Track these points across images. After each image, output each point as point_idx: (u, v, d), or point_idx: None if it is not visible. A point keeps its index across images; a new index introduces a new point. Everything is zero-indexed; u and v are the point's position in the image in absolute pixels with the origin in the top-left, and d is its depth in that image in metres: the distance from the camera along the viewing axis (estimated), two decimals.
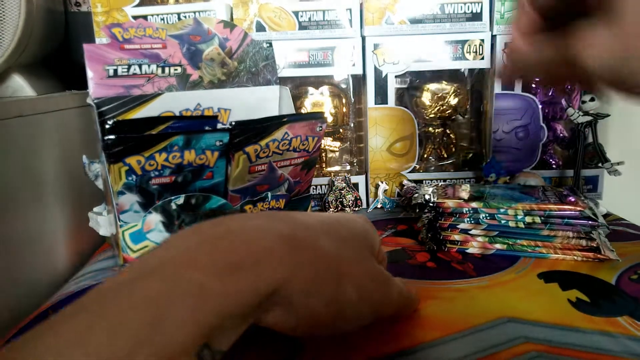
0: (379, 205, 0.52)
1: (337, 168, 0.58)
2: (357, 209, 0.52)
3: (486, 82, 0.54)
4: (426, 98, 0.54)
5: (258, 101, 0.44)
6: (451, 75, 0.54)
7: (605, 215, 0.47)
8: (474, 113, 0.57)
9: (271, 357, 0.26)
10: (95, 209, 0.42)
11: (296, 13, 0.49)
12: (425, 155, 0.57)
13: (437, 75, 0.53)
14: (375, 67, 0.50)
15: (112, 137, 0.30)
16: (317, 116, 0.38)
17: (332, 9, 0.49)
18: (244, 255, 0.20)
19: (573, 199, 0.38)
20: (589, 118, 0.48)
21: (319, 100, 0.54)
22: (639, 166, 0.53)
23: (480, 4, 0.49)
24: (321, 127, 0.38)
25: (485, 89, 0.54)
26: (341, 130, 0.57)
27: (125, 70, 0.39)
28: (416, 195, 0.42)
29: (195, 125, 0.35)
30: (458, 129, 0.58)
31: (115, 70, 0.39)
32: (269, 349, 0.27)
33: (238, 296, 0.19)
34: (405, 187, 0.52)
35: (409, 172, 0.53)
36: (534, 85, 0.53)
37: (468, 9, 0.49)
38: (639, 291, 0.31)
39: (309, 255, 0.22)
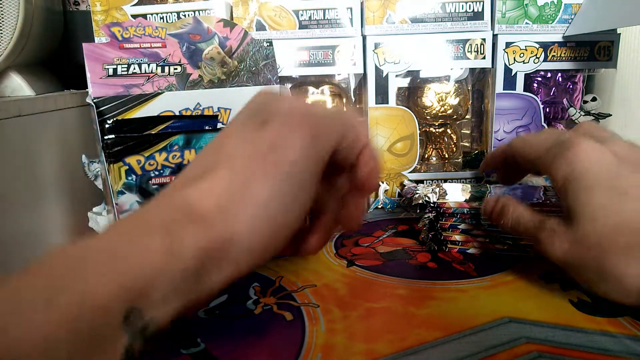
0: (379, 206, 0.52)
1: None
2: None
3: (487, 81, 0.54)
4: (427, 98, 0.54)
5: None
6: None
7: None
8: (475, 113, 0.57)
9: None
10: (95, 209, 0.42)
11: (296, 12, 0.49)
12: (426, 156, 0.57)
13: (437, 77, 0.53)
14: (376, 67, 0.50)
15: (111, 136, 0.29)
16: None
17: (333, 8, 0.49)
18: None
19: None
20: (590, 118, 0.48)
21: (319, 99, 0.53)
22: None
23: (481, 3, 0.49)
24: None
25: (487, 88, 0.54)
26: None
27: (125, 69, 0.39)
28: (416, 196, 0.42)
29: (195, 124, 0.35)
30: (459, 128, 0.58)
31: (115, 70, 0.39)
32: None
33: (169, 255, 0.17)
34: (405, 187, 0.52)
35: (410, 172, 0.53)
36: (535, 85, 0.53)
37: (469, 8, 0.49)
38: None
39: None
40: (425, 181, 0.53)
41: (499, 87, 0.51)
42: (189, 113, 0.41)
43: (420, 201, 0.40)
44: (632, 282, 0.24)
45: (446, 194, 0.41)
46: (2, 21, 0.43)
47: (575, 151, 0.26)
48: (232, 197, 0.19)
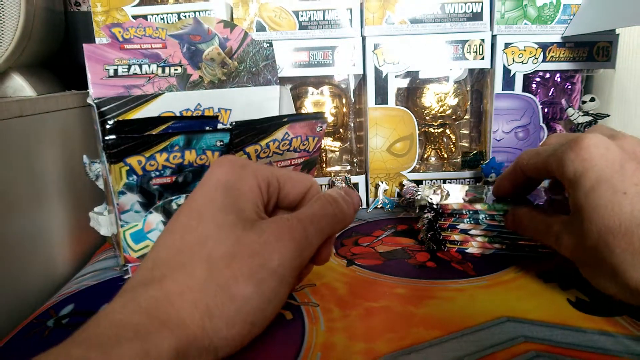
0: (379, 206, 0.52)
1: (337, 168, 0.58)
2: None
3: (486, 82, 0.54)
4: (426, 98, 0.54)
5: (258, 101, 0.44)
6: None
7: None
8: (474, 113, 0.57)
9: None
10: (96, 209, 0.43)
11: (296, 13, 0.49)
12: (425, 156, 0.57)
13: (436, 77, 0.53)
14: (375, 67, 0.50)
15: (112, 137, 0.30)
16: (318, 116, 0.38)
17: (333, 9, 0.49)
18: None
19: None
20: (588, 118, 0.48)
21: (319, 100, 0.54)
22: None
23: (480, 4, 0.49)
24: (321, 127, 0.38)
25: (485, 88, 0.54)
26: (341, 130, 0.57)
27: (126, 70, 0.39)
28: (418, 197, 0.42)
29: (195, 125, 0.35)
30: (458, 129, 0.58)
31: (116, 70, 0.39)
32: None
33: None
34: (405, 187, 0.52)
35: (409, 172, 0.53)
36: (534, 86, 0.53)
37: (468, 9, 0.49)
38: None
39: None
40: (424, 181, 0.53)
41: (498, 87, 0.51)
42: (189, 114, 0.41)
43: (423, 202, 0.40)
44: (630, 283, 0.24)
45: (448, 196, 0.41)
46: (4, 22, 0.44)
47: (581, 147, 0.26)
48: (211, 295, 0.19)
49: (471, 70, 0.54)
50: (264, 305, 0.20)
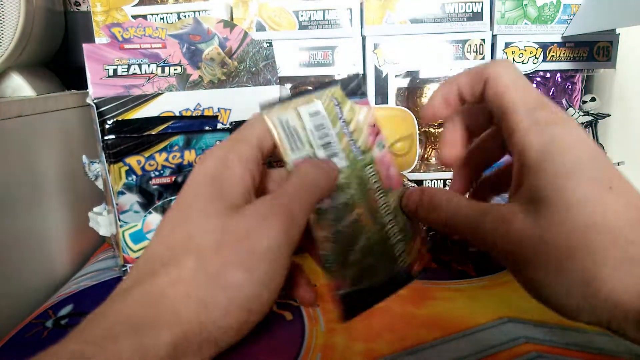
0: None
1: None
2: None
3: None
4: (427, 98, 0.54)
5: (258, 101, 0.44)
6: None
7: None
8: None
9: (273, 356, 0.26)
10: (96, 209, 0.42)
11: (296, 12, 0.49)
12: (425, 156, 0.57)
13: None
14: (375, 67, 0.50)
15: (112, 137, 0.30)
16: None
17: (333, 9, 0.49)
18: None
19: None
20: (589, 118, 0.48)
21: None
22: (639, 166, 0.53)
23: (480, 4, 0.49)
24: None
25: None
26: None
27: (125, 70, 0.39)
28: None
29: (195, 125, 0.35)
30: None
31: (115, 70, 0.39)
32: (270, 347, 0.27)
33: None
34: (405, 187, 0.52)
35: (409, 172, 0.53)
36: (534, 85, 0.53)
37: (469, 9, 0.49)
38: None
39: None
40: (424, 182, 0.53)
41: None
42: (189, 113, 0.41)
43: None
44: (600, 291, 0.18)
45: None
46: (3, 22, 0.43)
47: (562, 126, 0.21)
48: (203, 285, 0.19)
49: None
50: (259, 291, 0.20)
